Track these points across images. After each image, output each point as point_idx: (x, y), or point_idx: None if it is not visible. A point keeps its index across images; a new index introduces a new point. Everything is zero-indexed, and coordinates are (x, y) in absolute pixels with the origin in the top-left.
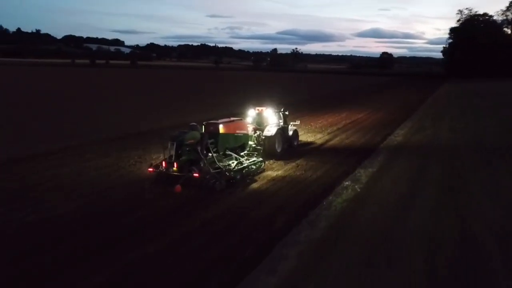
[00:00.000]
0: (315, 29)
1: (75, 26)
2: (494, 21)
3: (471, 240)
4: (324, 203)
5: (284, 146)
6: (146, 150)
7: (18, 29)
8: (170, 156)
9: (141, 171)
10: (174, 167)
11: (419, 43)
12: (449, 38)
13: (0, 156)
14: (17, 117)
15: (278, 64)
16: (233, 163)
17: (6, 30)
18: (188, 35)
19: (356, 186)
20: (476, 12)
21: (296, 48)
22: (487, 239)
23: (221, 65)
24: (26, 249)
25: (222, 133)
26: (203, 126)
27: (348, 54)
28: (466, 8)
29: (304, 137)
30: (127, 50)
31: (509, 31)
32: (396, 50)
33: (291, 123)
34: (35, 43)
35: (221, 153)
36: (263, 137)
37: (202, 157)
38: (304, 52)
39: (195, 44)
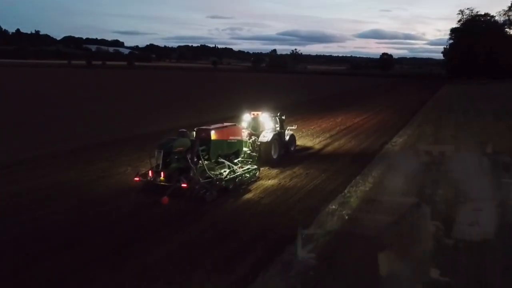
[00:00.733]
0: (316, 30)
1: (75, 27)
2: (496, 21)
3: None
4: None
5: (281, 152)
6: (115, 162)
7: (17, 30)
8: (157, 165)
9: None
10: (161, 176)
11: (419, 44)
12: (450, 38)
13: None
14: None
15: (277, 65)
16: (225, 171)
17: (5, 31)
18: (189, 36)
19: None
20: (477, 12)
21: (296, 49)
22: None
23: (220, 66)
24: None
25: (214, 140)
26: (194, 132)
27: (349, 55)
28: (467, 8)
29: (300, 141)
30: (126, 51)
31: (511, 32)
32: (397, 51)
33: (288, 127)
34: (34, 44)
35: (213, 160)
36: (259, 143)
37: (192, 166)
38: (304, 53)
39: (195, 45)
